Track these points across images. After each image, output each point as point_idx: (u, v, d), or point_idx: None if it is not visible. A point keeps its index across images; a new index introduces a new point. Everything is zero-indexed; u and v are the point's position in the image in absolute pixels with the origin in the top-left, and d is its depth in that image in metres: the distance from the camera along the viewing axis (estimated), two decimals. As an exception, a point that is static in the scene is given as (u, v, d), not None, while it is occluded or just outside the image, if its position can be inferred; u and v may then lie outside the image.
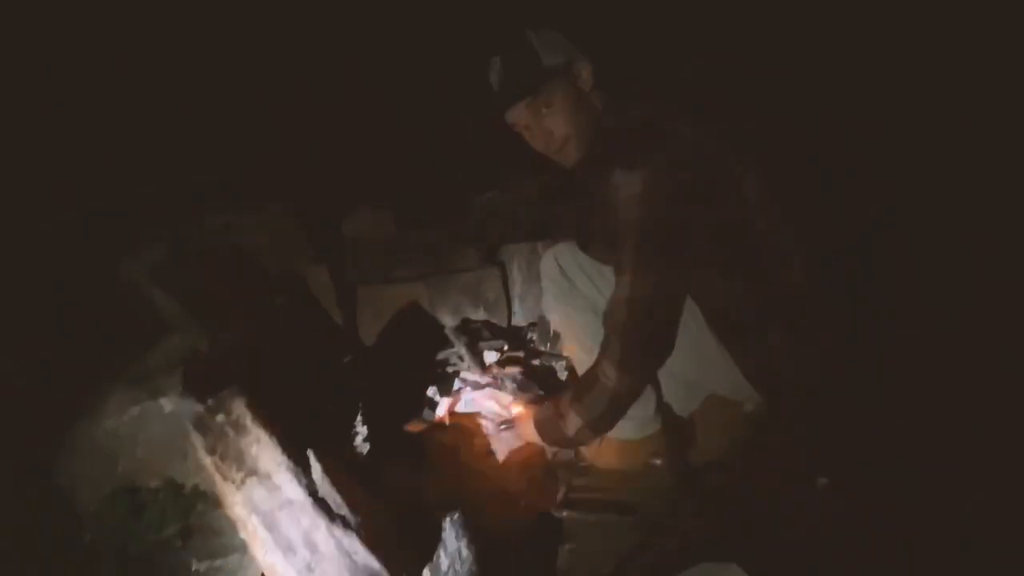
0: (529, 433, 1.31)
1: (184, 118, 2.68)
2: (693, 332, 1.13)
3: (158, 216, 2.00)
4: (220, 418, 1.07)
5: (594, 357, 1.14)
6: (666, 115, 1.06)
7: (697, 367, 1.18)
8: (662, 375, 1.24)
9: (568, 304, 1.30)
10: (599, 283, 1.25)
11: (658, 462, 1.31)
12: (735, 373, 1.14)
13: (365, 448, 1.58)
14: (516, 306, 2.22)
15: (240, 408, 1.09)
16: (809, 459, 1.18)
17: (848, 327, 1.16)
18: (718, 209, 1.04)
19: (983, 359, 1.29)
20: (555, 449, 1.35)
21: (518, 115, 1.11)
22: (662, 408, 1.32)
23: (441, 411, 1.64)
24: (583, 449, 1.40)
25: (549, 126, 1.09)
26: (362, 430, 1.63)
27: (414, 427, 1.63)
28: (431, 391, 1.70)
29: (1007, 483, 1.06)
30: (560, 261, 1.30)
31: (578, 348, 1.36)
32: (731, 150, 1.07)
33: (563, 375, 1.85)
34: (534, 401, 1.45)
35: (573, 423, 1.17)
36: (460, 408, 1.67)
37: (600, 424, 1.17)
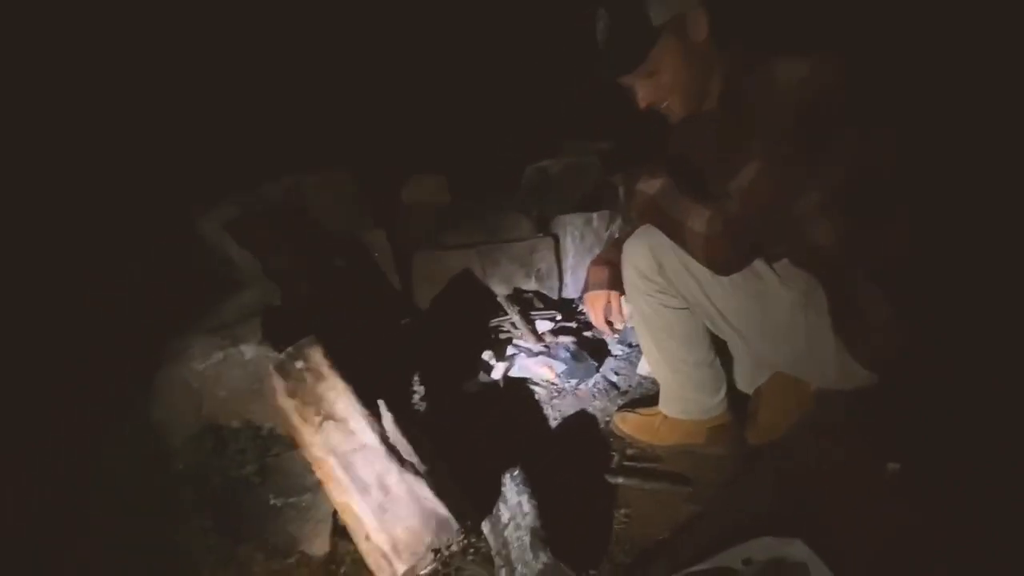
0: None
1: (250, 84, 2.77)
2: (775, 304, 1.10)
3: (230, 176, 2.09)
4: (299, 364, 1.14)
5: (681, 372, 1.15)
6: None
7: (772, 342, 1.14)
8: (733, 348, 1.23)
9: (661, 304, 1.19)
10: (705, 286, 1.11)
11: (719, 449, 1.29)
12: (809, 351, 1.11)
13: (422, 407, 1.64)
14: (568, 278, 2.22)
15: (317, 356, 1.15)
16: (880, 443, 1.15)
17: (944, 302, 1.10)
18: (859, 139, 1.00)
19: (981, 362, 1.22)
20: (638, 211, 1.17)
21: (624, 81, 1.11)
22: (730, 392, 1.30)
23: (496, 374, 1.69)
24: (640, 430, 1.38)
25: (656, 86, 1.10)
26: (419, 389, 1.69)
27: (470, 388, 1.68)
28: (486, 355, 1.74)
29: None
30: (656, 255, 1.13)
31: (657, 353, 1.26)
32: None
33: (615, 348, 1.86)
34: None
35: (701, 212, 1.02)
36: (514, 373, 1.72)
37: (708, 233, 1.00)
